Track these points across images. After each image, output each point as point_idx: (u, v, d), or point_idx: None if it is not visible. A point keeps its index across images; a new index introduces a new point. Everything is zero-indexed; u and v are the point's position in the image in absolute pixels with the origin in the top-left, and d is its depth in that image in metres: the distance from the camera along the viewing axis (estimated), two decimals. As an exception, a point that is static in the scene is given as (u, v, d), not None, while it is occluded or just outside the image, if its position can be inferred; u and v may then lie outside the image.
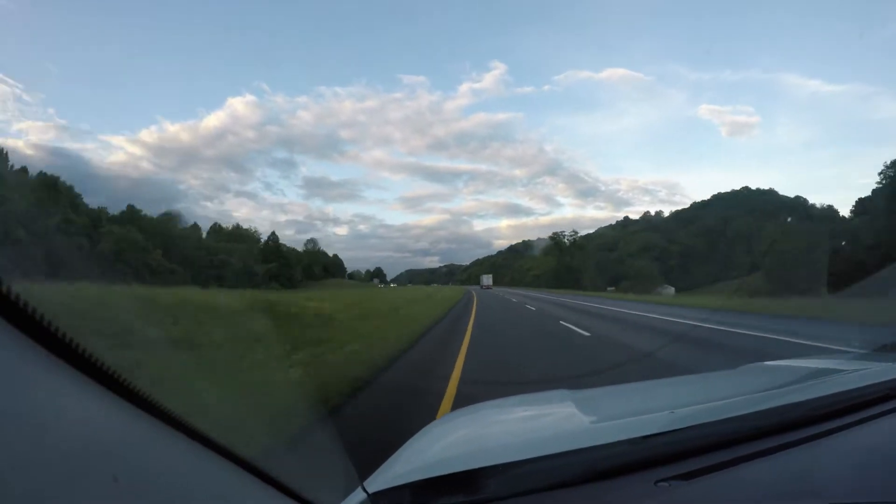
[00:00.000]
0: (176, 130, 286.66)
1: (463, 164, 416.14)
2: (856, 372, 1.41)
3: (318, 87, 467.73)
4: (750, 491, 0.81)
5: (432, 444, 1.16)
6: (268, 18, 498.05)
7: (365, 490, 0.83)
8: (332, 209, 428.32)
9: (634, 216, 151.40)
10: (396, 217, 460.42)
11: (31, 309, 0.48)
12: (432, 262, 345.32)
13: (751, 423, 0.98)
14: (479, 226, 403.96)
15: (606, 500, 0.81)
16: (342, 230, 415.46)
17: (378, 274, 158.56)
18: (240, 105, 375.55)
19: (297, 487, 0.84)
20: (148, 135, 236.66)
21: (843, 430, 1.00)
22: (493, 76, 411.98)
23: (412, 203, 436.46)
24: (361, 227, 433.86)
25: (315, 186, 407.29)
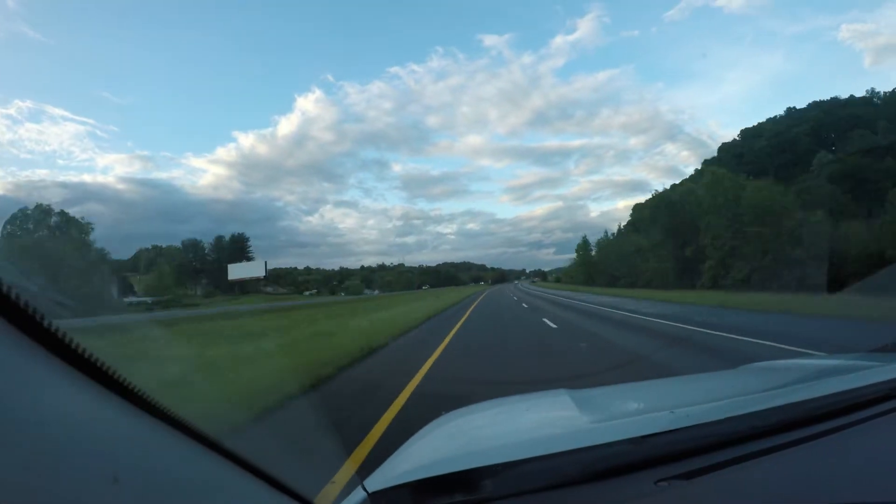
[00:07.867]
0: (251, 143, 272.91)
1: (571, 141, 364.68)
2: (856, 372, 1.41)
3: (390, 67, 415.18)
4: (750, 490, 0.81)
5: (432, 443, 1.16)
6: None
7: (365, 489, 0.84)
8: (439, 208, 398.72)
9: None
10: (506, 210, 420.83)
11: (31, 309, 0.48)
12: (548, 255, 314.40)
13: (751, 423, 0.98)
14: (594, 210, 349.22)
15: (606, 500, 0.81)
16: (449, 229, 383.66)
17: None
18: (309, 104, 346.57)
19: (297, 486, 0.85)
20: (226, 153, 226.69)
21: (843, 430, 1.00)
22: (588, 21, 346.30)
23: (521, 193, 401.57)
24: (471, 225, 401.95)
25: (416, 186, 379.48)
